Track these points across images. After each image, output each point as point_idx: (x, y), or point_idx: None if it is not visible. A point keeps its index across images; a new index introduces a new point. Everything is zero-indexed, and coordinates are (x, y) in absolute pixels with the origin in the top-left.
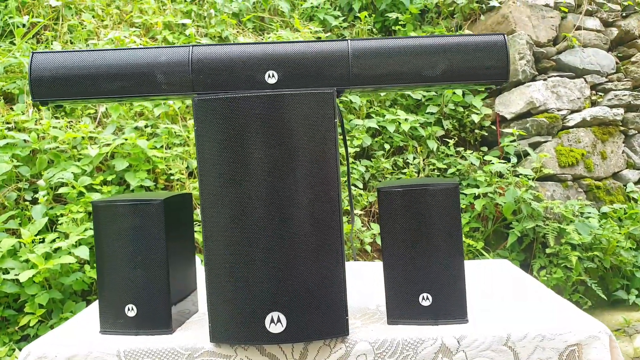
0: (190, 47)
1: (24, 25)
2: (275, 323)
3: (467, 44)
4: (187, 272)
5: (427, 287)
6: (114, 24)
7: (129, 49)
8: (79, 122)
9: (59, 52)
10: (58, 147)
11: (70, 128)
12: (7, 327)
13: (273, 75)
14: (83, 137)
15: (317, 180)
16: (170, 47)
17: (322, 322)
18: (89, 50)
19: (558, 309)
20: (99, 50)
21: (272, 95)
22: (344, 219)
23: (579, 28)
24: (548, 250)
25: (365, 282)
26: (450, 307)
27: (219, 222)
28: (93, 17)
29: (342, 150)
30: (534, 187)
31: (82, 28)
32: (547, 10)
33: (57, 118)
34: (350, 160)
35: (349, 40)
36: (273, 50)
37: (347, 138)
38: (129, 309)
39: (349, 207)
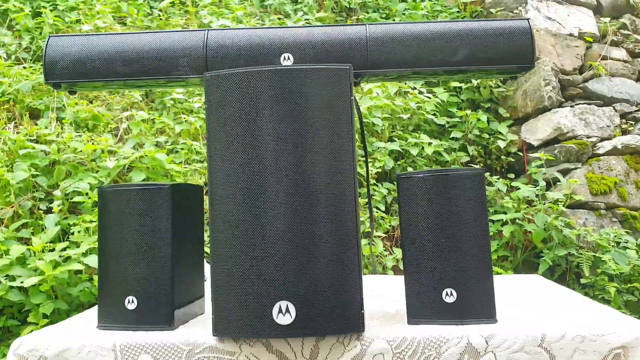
0: (206, 31)
1: None
2: (284, 313)
3: (489, 29)
4: (194, 275)
5: (451, 282)
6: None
7: (143, 32)
8: (100, 136)
9: (74, 35)
10: (76, 157)
11: (91, 141)
12: (9, 339)
13: (288, 58)
14: (102, 151)
15: (331, 162)
16: (185, 30)
17: (334, 316)
18: (103, 34)
19: (599, 311)
20: (113, 34)
21: (285, 69)
22: (365, 241)
23: (604, 58)
24: (583, 281)
25: (386, 292)
26: (477, 304)
27: (228, 204)
28: None
29: (362, 150)
30: (565, 214)
31: None
32: (571, 40)
33: (79, 133)
34: (372, 181)
35: (367, 25)
36: (289, 33)
37: (369, 160)
38: (129, 301)
39: (368, 220)
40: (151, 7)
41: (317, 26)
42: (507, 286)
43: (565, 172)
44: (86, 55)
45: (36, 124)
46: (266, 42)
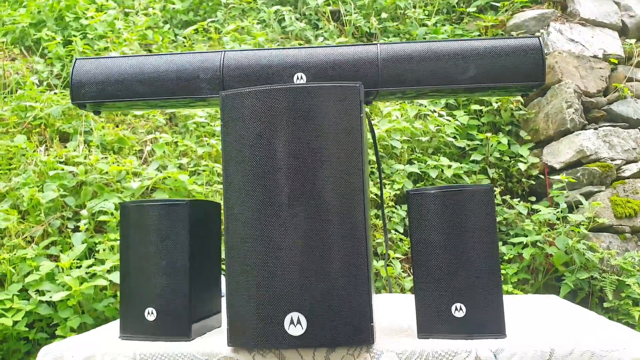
0: (223, 52)
1: None
2: (295, 324)
3: (500, 47)
4: (211, 290)
5: (460, 297)
6: None
7: (163, 54)
8: (125, 158)
9: (99, 58)
10: (102, 178)
11: (116, 163)
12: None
13: (301, 78)
14: (127, 172)
15: (342, 174)
16: (202, 52)
17: (344, 328)
18: (125, 57)
19: (610, 328)
20: (135, 56)
21: (297, 88)
22: (381, 262)
23: (630, 79)
24: (606, 305)
25: (399, 309)
26: (486, 319)
27: (242, 218)
28: None
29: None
30: (588, 237)
31: None
32: (595, 62)
33: (105, 156)
34: (391, 203)
35: (378, 44)
36: (302, 53)
37: (387, 182)
38: (148, 313)
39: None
40: (176, 35)
41: (330, 46)
42: (521, 305)
43: (588, 195)
44: (110, 76)
45: (65, 147)
46: (280, 62)
